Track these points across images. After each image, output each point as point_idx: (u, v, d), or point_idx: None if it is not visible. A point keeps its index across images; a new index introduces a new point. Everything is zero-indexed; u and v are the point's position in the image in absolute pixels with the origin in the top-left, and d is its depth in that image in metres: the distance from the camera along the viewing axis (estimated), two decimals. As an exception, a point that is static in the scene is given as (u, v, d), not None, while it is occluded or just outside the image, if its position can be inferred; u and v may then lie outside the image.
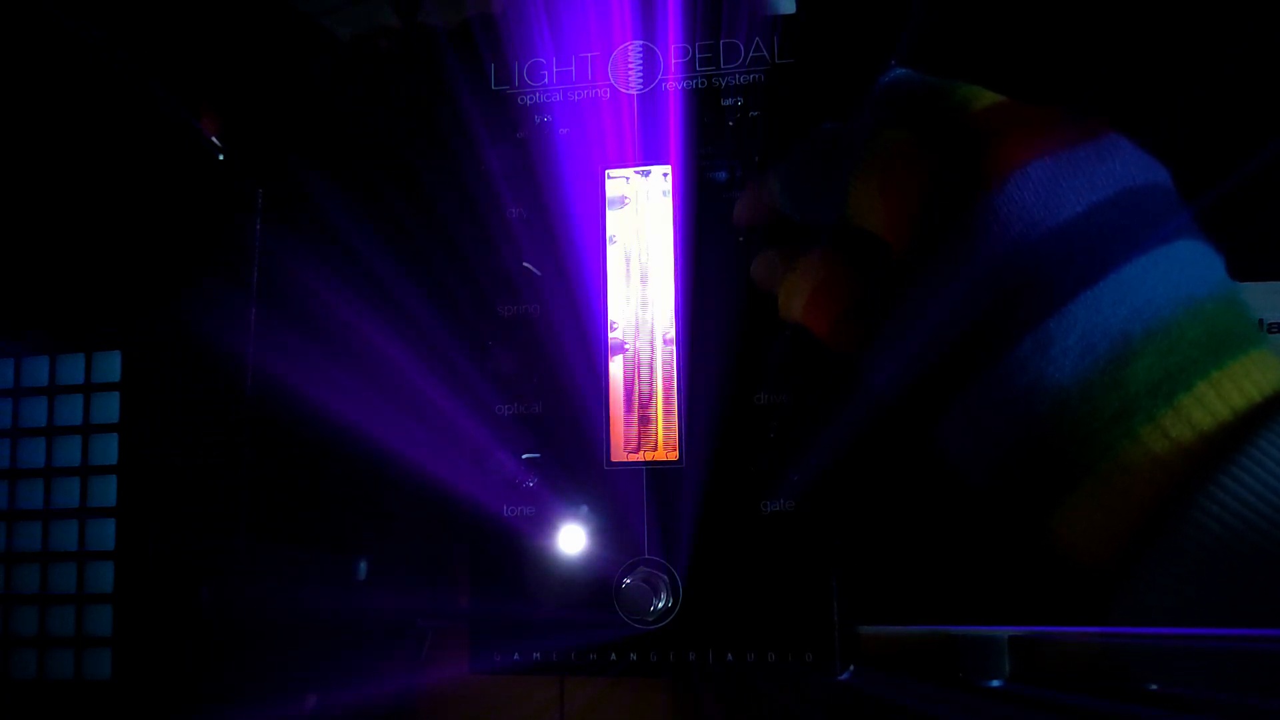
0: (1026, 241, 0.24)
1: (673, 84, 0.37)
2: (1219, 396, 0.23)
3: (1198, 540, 0.22)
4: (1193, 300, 0.24)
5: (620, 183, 0.38)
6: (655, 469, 0.36)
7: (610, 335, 0.37)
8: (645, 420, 0.36)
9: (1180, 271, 0.24)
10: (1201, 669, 0.23)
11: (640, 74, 0.38)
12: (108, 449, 0.44)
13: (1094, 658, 0.35)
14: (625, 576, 0.35)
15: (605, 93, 0.38)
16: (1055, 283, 0.24)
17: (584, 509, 0.36)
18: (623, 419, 0.37)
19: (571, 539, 0.36)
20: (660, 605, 0.35)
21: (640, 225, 0.37)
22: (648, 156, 0.37)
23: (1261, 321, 0.36)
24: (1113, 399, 0.23)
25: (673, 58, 0.37)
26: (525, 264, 0.38)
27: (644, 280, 0.37)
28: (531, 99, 0.39)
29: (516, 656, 0.36)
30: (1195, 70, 0.37)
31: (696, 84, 0.37)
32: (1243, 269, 0.25)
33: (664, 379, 0.36)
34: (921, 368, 0.26)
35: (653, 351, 0.37)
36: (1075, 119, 0.26)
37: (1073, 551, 0.25)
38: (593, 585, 0.36)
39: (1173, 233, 0.24)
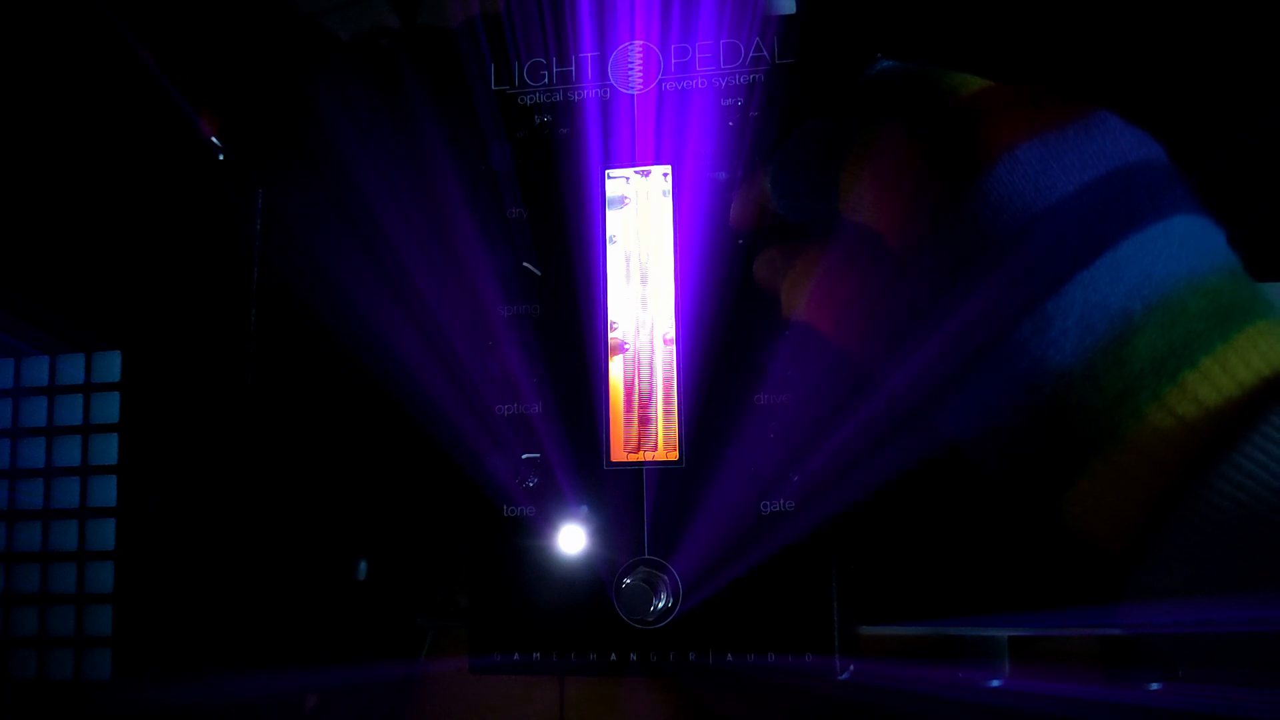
0: (1020, 224, 0.24)
1: (673, 84, 0.37)
2: (1224, 371, 0.22)
3: (1209, 519, 0.22)
4: (1194, 274, 0.23)
5: (620, 183, 0.38)
6: (655, 469, 0.36)
7: (610, 335, 0.37)
8: (645, 420, 0.36)
9: (1179, 246, 0.24)
10: (1207, 655, 0.23)
11: (640, 74, 0.38)
12: (108, 449, 0.44)
13: (1094, 655, 0.35)
14: (625, 576, 0.35)
15: (605, 93, 0.38)
16: (1051, 264, 0.24)
17: (584, 509, 0.36)
18: (623, 419, 0.37)
19: (571, 539, 0.36)
20: (660, 605, 0.35)
21: (640, 225, 0.37)
22: (648, 156, 0.37)
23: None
24: (1116, 378, 0.23)
25: (673, 58, 0.37)
26: (525, 264, 0.38)
27: (644, 280, 0.37)
28: (531, 99, 0.39)
29: (516, 656, 0.36)
30: (1193, 67, 0.37)
31: (696, 84, 0.37)
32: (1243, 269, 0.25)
33: (664, 379, 0.36)
34: (925, 357, 0.26)
35: (653, 351, 0.37)
36: (1064, 98, 0.26)
37: (1086, 533, 0.25)
38: (593, 585, 0.36)
39: (1169, 207, 0.24)
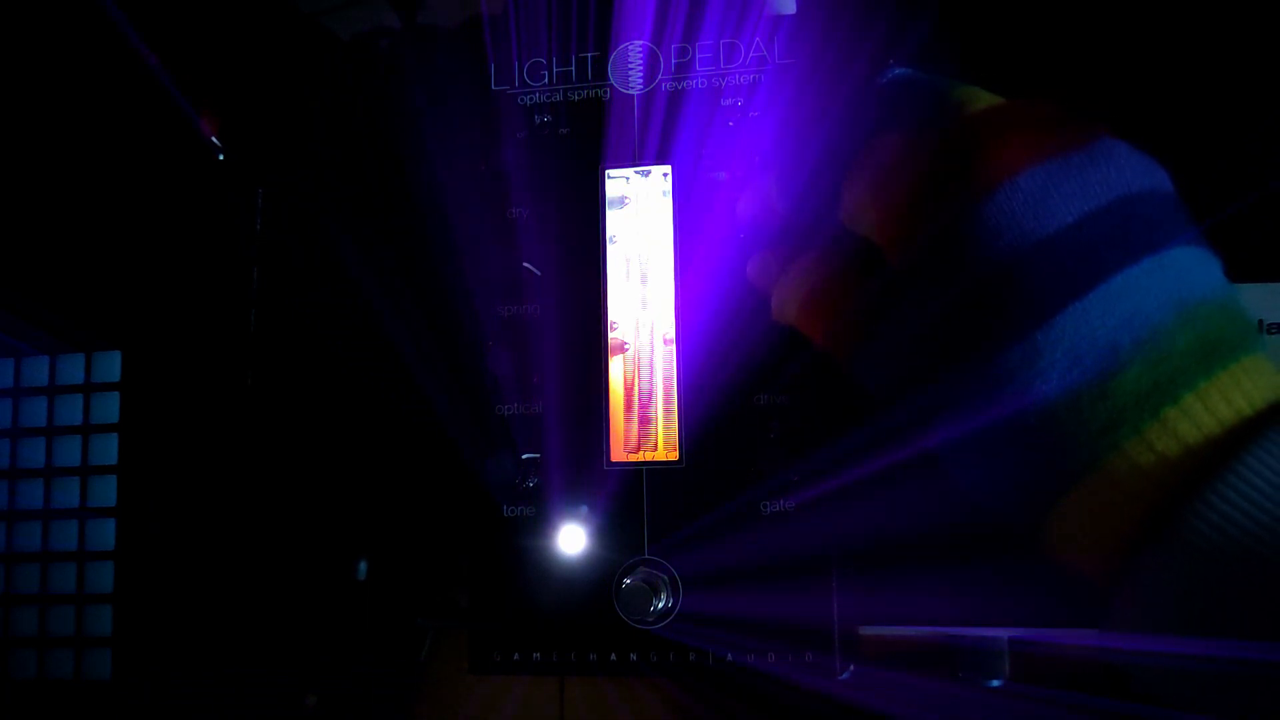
0: (1016, 252, 0.24)
1: (673, 84, 0.37)
2: (1206, 409, 0.23)
3: (1186, 553, 0.22)
4: (1184, 307, 0.23)
5: (620, 183, 0.37)
6: (655, 469, 0.36)
7: (610, 335, 0.37)
8: (645, 420, 0.36)
9: (1173, 279, 0.24)
10: (1195, 683, 0.23)
11: (640, 74, 0.38)
12: (108, 449, 0.44)
13: (1094, 662, 0.35)
14: (625, 576, 0.35)
15: (605, 93, 0.38)
16: (1044, 294, 0.24)
17: (584, 509, 0.36)
18: (623, 419, 0.37)
19: (571, 539, 0.36)
20: (660, 605, 0.35)
21: (640, 225, 0.37)
22: (648, 156, 0.37)
23: (1261, 323, 0.36)
24: (1100, 411, 0.23)
25: (673, 58, 0.37)
26: (525, 264, 0.38)
27: (644, 280, 0.37)
28: (531, 99, 0.39)
29: (516, 656, 0.36)
30: (1195, 68, 0.37)
31: (696, 84, 0.37)
32: (1243, 269, 0.25)
33: (664, 379, 0.36)
34: (912, 374, 0.26)
35: (653, 351, 0.37)
36: (1072, 121, 0.26)
37: (1066, 559, 0.25)
38: (593, 585, 0.36)
39: (1167, 239, 0.24)
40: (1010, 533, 0.26)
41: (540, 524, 0.37)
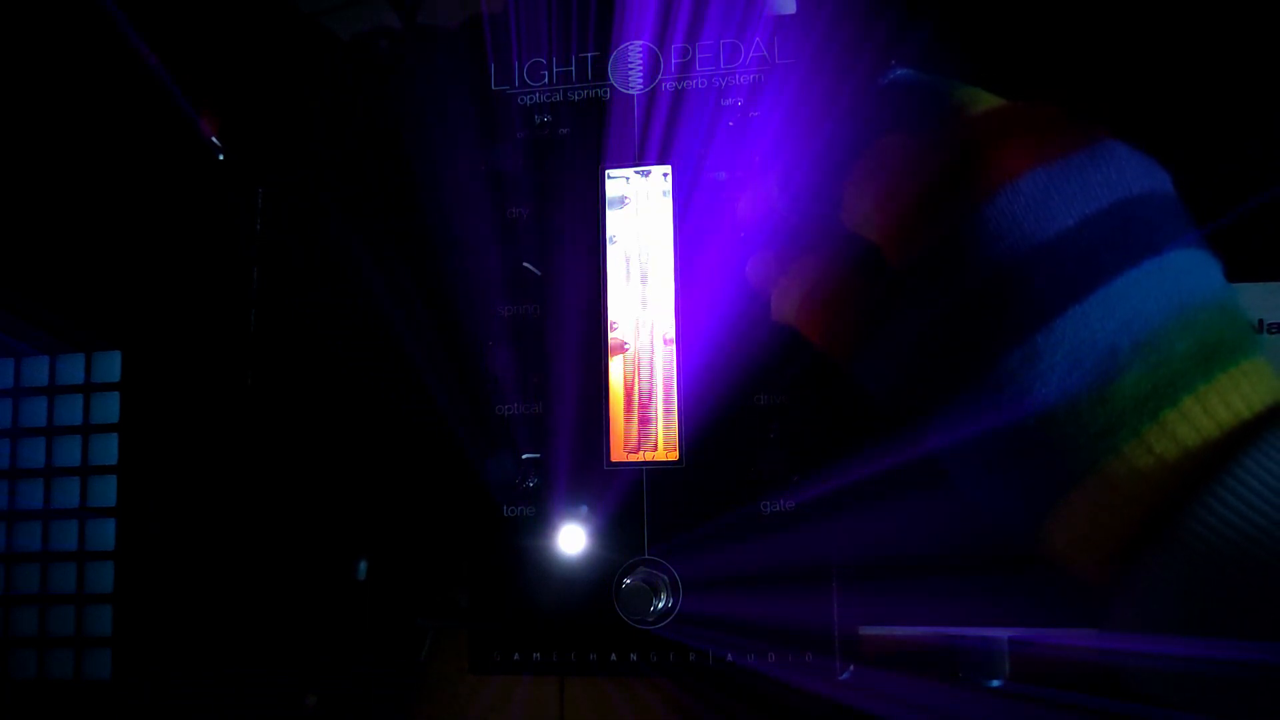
0: (1016, 254, 0.24)
1: (673, 84, 0.37)
2: (1205, 412, 0.23)
3: (1183, 556, 0.22)
4: (1184, 310, 0.23)
5: (620, 183, 0.37)
6: (655, 469, 0.36)
7: (610, 335, 0.37)
8: (645, 420, 0.36)
9: (1173, 281, 0.24)
10: (1194, 684, 0.23)
11: (640, 74, 0.38)
12: (108, 449, 0.44)
13: (1094, 662, 0.35)
14: (625, 577, 0.35)
15: (605, 93, 0.38)
16: (1044, 297, 0.24)
17: (584, 509, 0.36)
18: (623, 419, 0.37)
19: (571, 539, 0.36)
20: (660, 605, 0.35)
21: (640, 225, 0.37)
22: (648, 156, 0.37)
23: (1261, 322, 0.36)
24: (1099, 414, 0.23)
25: (673, 58, 0.37)
26: (525, 264, 0.38)
27: (644, 280, 0.37)
28: (531, 99, 0.39)
29: (516, 656, 0.36)
30: (1196, 70, 0.37)
31: (696, 84, 0.37)
32: (1243, 269, 0.25)
33: (664, 379, 0.36)
34: (911, 375, 0.26)
35: (653, 351, 0.37)
36: (1073, 124, 0.26)
37: (1065, 561, 0.25)
38: (593, 585, 0.36)
39: (1167, 242, 0.24)
40: (1010, 534, 0.26)
41: (540, 524, 0.37)
